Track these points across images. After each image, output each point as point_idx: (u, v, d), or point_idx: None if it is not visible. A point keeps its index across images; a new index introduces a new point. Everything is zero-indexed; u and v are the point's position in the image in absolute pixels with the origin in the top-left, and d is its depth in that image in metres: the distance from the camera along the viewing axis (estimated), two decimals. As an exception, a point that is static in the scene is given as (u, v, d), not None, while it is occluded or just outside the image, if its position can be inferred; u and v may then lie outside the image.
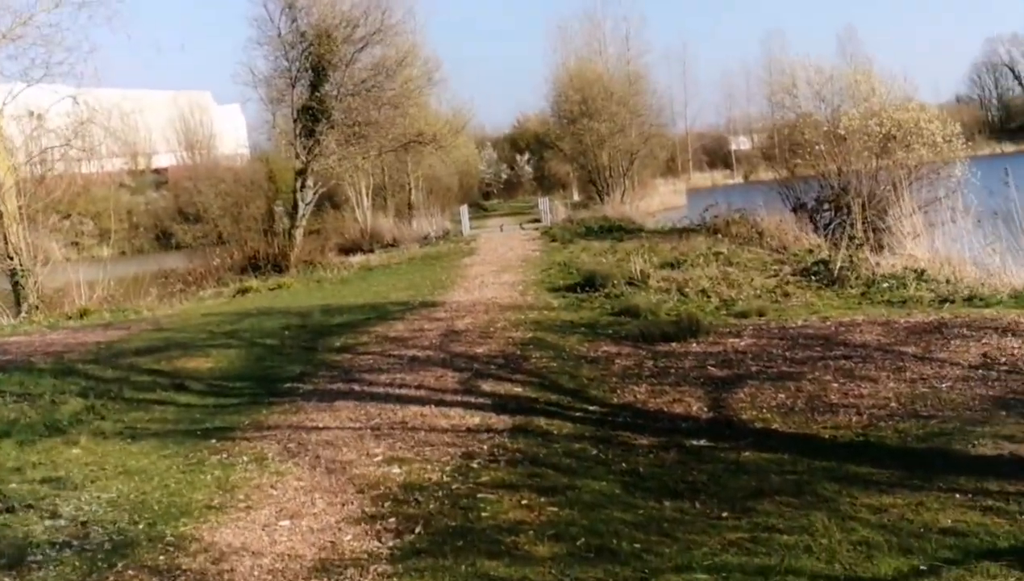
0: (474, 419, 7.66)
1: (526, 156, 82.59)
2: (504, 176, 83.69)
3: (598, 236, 27.40)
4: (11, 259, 20.91)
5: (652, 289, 14.52)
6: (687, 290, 14.10)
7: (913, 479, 5.38)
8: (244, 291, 20.55)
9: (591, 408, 7.79)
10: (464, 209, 38.29)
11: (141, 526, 5.69)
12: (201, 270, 25.84)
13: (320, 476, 6.44)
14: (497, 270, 19.92)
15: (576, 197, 56.07)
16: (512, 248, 25.97)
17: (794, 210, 24.98)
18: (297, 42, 24.43)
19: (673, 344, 10.28)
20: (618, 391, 8.33)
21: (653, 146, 53.51)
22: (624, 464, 6.18)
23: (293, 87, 24.66)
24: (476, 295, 15.89)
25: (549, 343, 10.80)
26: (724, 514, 5.12)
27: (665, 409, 7.59)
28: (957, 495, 5.08)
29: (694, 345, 10.17)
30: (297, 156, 24.50)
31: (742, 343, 10.04)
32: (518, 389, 8.61)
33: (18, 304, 21.09)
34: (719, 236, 22.60)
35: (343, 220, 40.65)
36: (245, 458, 7.05)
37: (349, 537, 5.25)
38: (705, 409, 7.50)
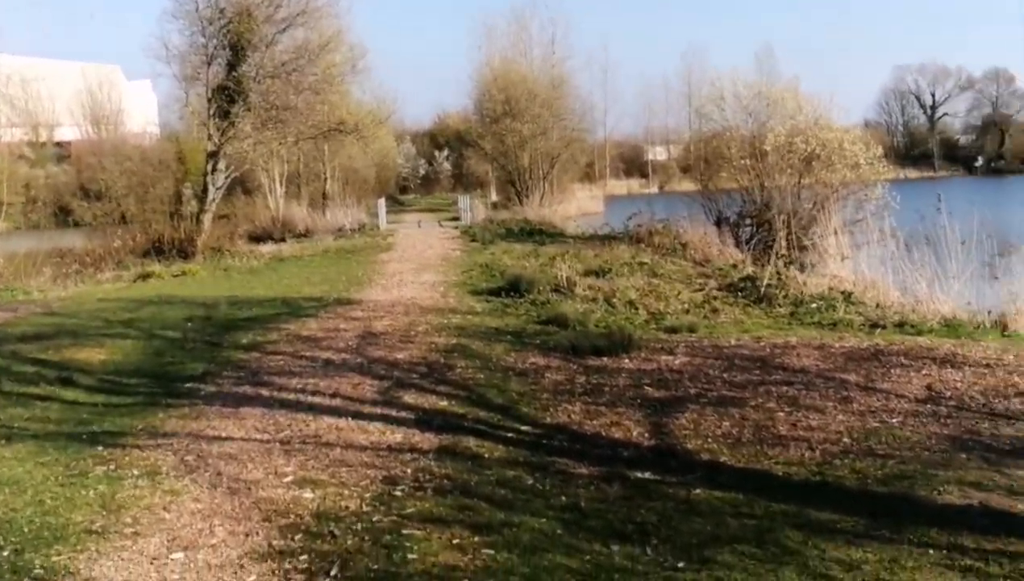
0: (396, 436, 6.99)
1: (445, 153, 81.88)
2: (422, 171, 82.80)
3: (519, 238, 26.89)
4: None
5: (579, 297, 14.03)
6: (614, 301, 13.64)
7: (881, 529, 4.93)
8: (146, 276, 19.37)
9: (523, 428, 7.20)
10: (381, 202, 37.35)
11: (6, 553, 4.88)
12: (100, 251, 24.36)
13: (221, 497, 5.69)
14: (416, 268, 19.20)
15: (494, 197, 55.52)
16: (431, 246, 25.25)
17: (716, 223, 24.90)
18: (215, 18, 23.16)
19: (605, 359, 9.77)
20: (551, 409, 7.76)
21: (574, 151, 53.22)
22: (564, 497, 5.59)
23: (209, 65, 23.39)
24: (395, 294, 15.17)
25: (474, 351, 10.18)
26: (680, 564, 4.57)
27: (603, 433, 7.04)
28: (931, 550, 4.65)
29: (627, 361, 9.68)
30: (210, 137, 23.26)
31: (676, 361, 9.59)
32: (443, 403, 7.97)
33: None
34: (642, 245, 22.31)
35: (254, 206, 39.28)
36: (135, 471, 6.25)
37: (252, 578, 4.54)
38: (646, 435, 6.98)
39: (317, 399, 8.17)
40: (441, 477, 5.97)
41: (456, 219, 39.23)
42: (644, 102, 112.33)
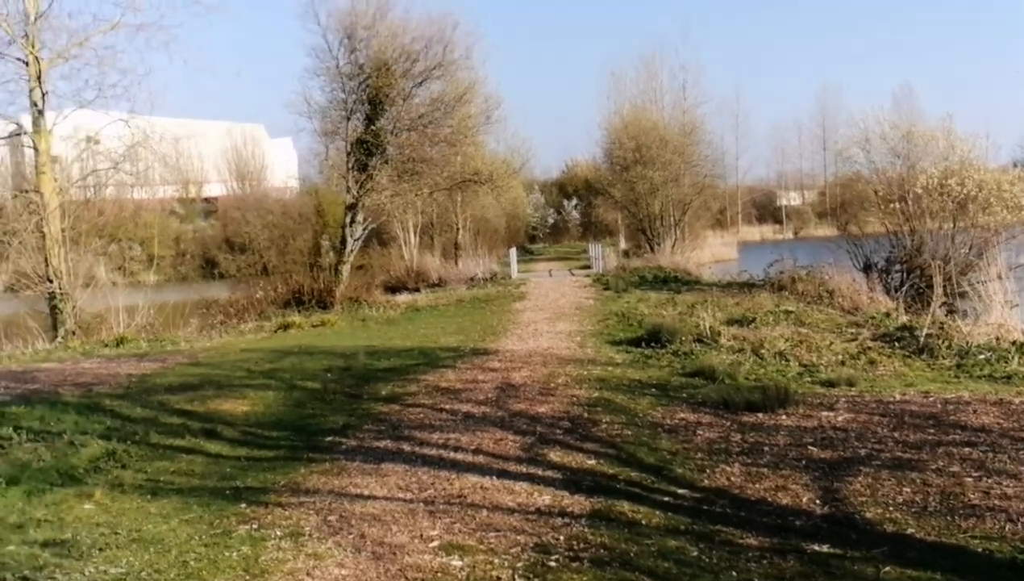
0: (544, 497, 6.59)
1: (574, 201, 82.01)
2: (551, 220, 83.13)
3: (653, 286, 26.31)
4: (50, 282, 20.32)
5: (723, 348, 13.40)
6: (763, 351, 12.95)
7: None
8: (286, 327, 19.70)
9: (680, 491, 6.68)
10: (513, 252, 37.40)
11: (150, 619, 4.70)
12: (243, 302, 25.10)
13: (366, 563, 5.40)
14: (551, 318, 18.89)
15: (623, 245, 54.98)
16: (564, 294, 24.94)
17: (863, 270, 23.78)
18: (355, 74, 23.77)
19: (760, 415, 9.16)
20: (707, 471, 7.22)
21: (706, 197, 52.42)
22: (734, 573, 5.07)
23: (348, 120, 23.97)
24: (531, 344, 14.87)
25: (618, 405, 9.73)
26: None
27: (768, 498, 6.47)
28: None
29: (784, 417, 9.04)
30: (348, 190, 23.74)
31: (839, 418, 8.89)
32: (591, 461, 7.53)
33: (55, 328, 20.46)
34: (784, 293, 21.41)
35: (389, 257, 40.04)
36: (278, 532, 6.04)
37: (402, 657, 4.21)
38: (817, 501, 6.37)
39: (459, 455, 7.86)
40: (597, 546, 5.53)
41: (587, 267, 38.94)
42: (776, 146, 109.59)
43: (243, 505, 6.71)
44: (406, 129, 24.05)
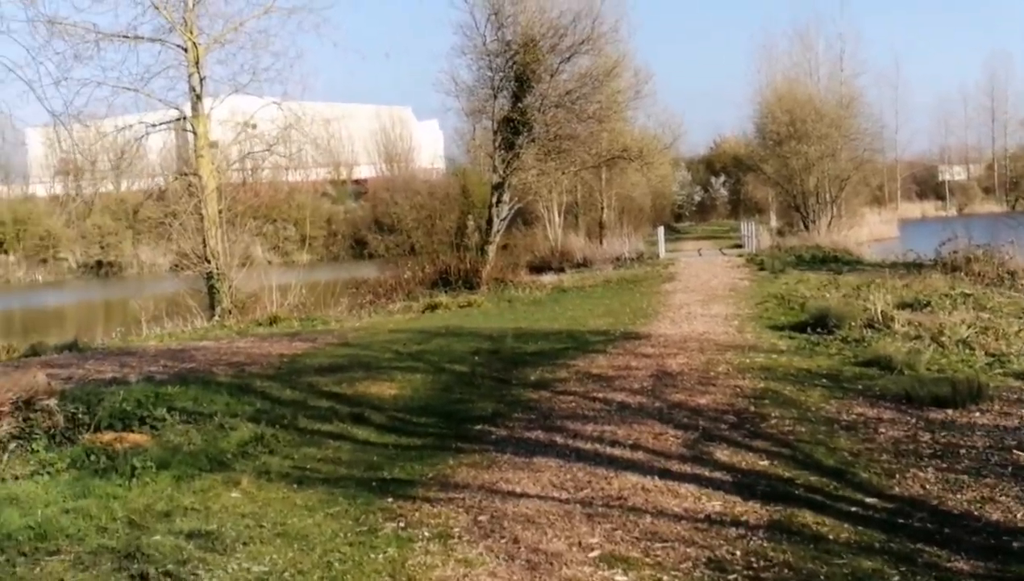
0: (713, 503, 5.97)
1: (722, 178, 79.87)
2: (697, 198, 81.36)
3: (812, 266, 25.00)
4: (208, 262, 20.86)
5: (898, 334, 12.31)
6: (943, 339, 11.82)
7: None
8: (433, 307, 19.58)
9: (868, 500, 5.94)
10: (660, 230, 36.50)
11: (291, 627, 4.37)
12: (392, 282, 25.25)
13: (520, 573, 4.93)
14: (703, 300, 18.05)
15: (775, 222, 52.93)
16: (716, 275, 23.96)
17: (1048, 248, 21.77)
18: (502, 51, 23.38)
19: (949, 411, 8.21)
20: (896, 476, 6.43)
21: (865, 173, 49.82)
22: (948, 606, 4.34)
23: (495, 98, 23.62)
24: (685, 328, 14.14)
25: (787, 398, 8.95)
26: None
27: (975, 512, 5.65)
28: None
29: (977, 414, 8.08)
30: (495, 169, 23.44)
31: (1045, 417, 7.88)
32: (763, 462, 6.85)
33: (212, 307, 21.02)
34: (959, 274, 19.77)
35: (534, 237, 39.74)
36: (426, 532, 5.65)
37: None
38: (1036, 518, 5.51)
39: (616, 451, 7.31)
40: (780, 565, 4.88)
41: (738, 246, 37.63)
42: (939, 118, 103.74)
43: (390, 499, 6.37)
44: (553, 106, 23.50)
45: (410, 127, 76.58)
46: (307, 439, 8.31)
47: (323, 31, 25.96)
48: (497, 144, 23.47)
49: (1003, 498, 5.88)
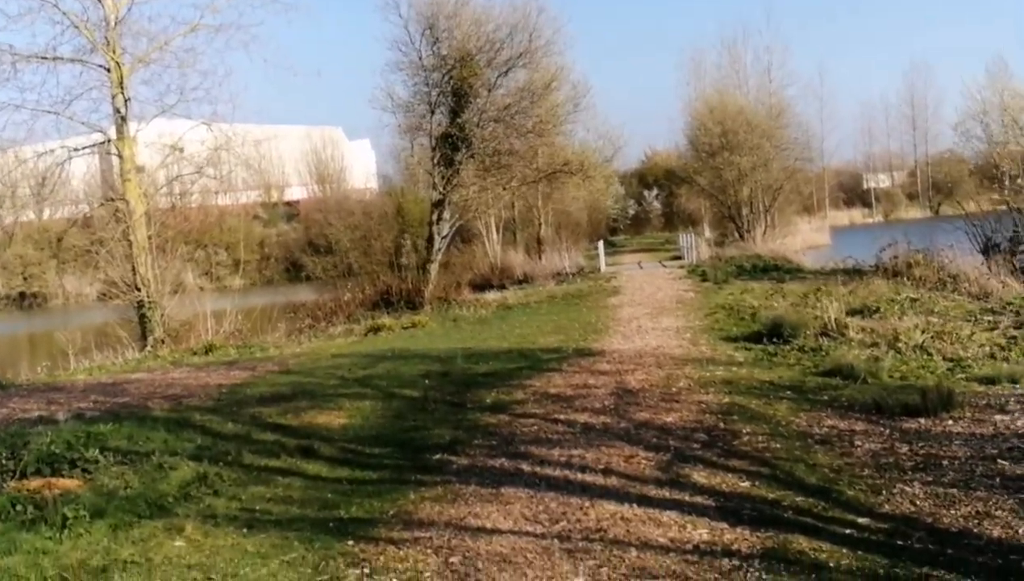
0: (700, 531, 5.60)
1: (654, 191, 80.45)
2: (632, 211, 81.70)
3: (753, 276, 25.02)
4: (138, 290, 20.01)
5: (853, 342, 12.21)
6: (899, 345, 11.71)
7: None
8: (377, 329, 19.02)
9: (860, 521, 5.63)
10: (601, 245, 36.37)
11: None
12: (331, 304, 24.61)
13: (504, 623, 4.50)
14: (652, 313, 17.82)
15: (708, 233, 53.36)
16: (660, 287, 23.80)
17: (983, 252, 22.12)
18: (438, 66, 22.94)
19: (921, 420, 8.01)
20: (884, 492, 6.14)
21: (797, 182, 50.55)
22: (971, 638, 4.02)
23: (432, 113, 23.17)
24: (638, 343, 13.85)
25: (754, 412, 8.66)
26: None
27: (973, 529, 5.37)
28: None
29: (950, 422, 7.88)
30: (435, 186, 22.97)
31: (1019, 422, 7.70)
32: (744, 483, 6.51)
33: (144, 337, 20.16)
34: (900, 279, 19.89)
35: (472, 255, 39.30)
36: (394, 578, 5.18)
37: None
38: (1038, 534, 5.25)
39: (588, 477, 6.91)
40: (784, 601, 4.53)
41: (676, 258, 37.71)
42: (862, 127, 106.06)
43: (350, 542, 5.88)
44: (492, 121, 23.13)
45: (341, 147, 75.70)
46: (254, 476, 7.76)
47: (252, 48, 25.34)
48: (436, 161, 23.02)
49: (999, 512, 5.62)
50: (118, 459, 8.38)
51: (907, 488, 6.22)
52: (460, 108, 22.99)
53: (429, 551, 5.61)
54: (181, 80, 20.48)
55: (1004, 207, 22.46)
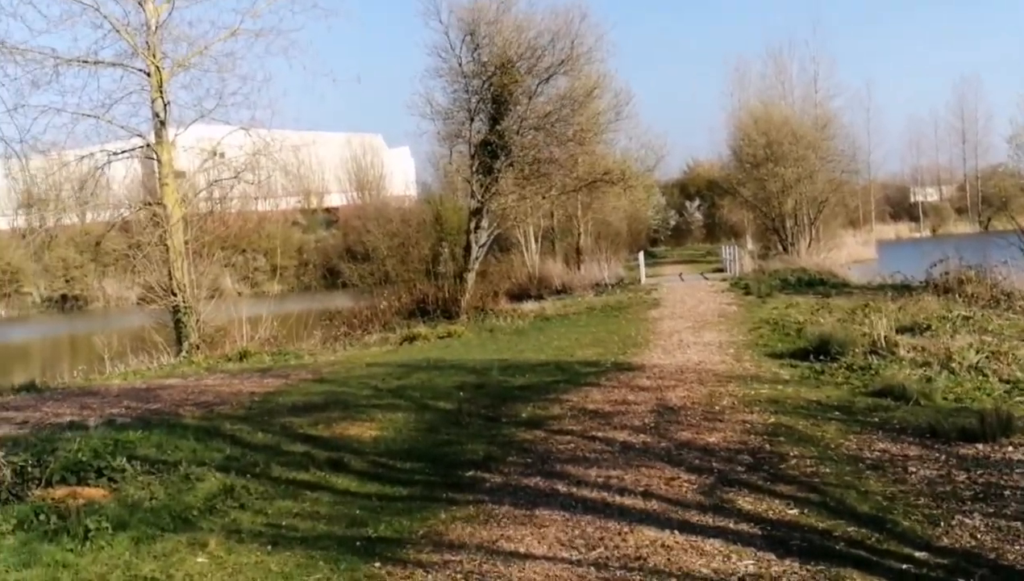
0: (745, 562, 5.27)
1: (696, 202, 79.80)
2: (672, 222, 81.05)
3: (798, 290, 24.49)
4: (175, 295, 19.98)
5: (904, 361, 11.74)
6: (953, 365, 11.23)
7: None
8: (412, 339, 18.80)
9: (917, 555, 5.26)
10: (641, 256, 35.91)
11: None
12: (367, 312, 24.45)
13: (536, 660, 4.21)
14: (694, 327, 17.43)
15: (751, 246, 52.69)
16: (701, 300, 23.37)
17: (1042, 268, 21.37)
18: (478, 72, 22.74)
19: (979, 445, 7.59)
20: (942, 524, 5.77)
21: (842, 194, 49.71)
22: None
23: (472, 121, 22.96)
24: (679, 358, 13.49)
25: (802, 434, 8.29)
26: None
27: (1045, 569, 4.99)
28: None
29: (1010, 448, 7.46)
30: (473, 194, 22.76)
31: (1085, 451, 7.26)
32: (791, 510, 6.16)
33: (179, 342, 20.13)
34: (951, 296, 19.28)
35: (510, 265, 39.05)
36: (421, 606, 4.92)
37: None
38: (1116, 575, 4.86)
39: (626, 500, 6.60)
40: (841, 645, 4.19)
41: (719, 270, 37.19)
42: (910, 140, 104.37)
43: (377, 564, 5.63)
44: (532, 129, 22.86)
45: (381, 154, 75.98)
46: (281, 490, 7.54)
47: (292, 54, 25.16)
48: (475, 168, 22.80)
49: (1073, 550, 5.22)
50: (145, 468, 8.22)
51: (967, 520, 5.83)
52: (500, 115, 22.74)
53: (459, 576, 5.34)
54: (220, 85, 20.48)
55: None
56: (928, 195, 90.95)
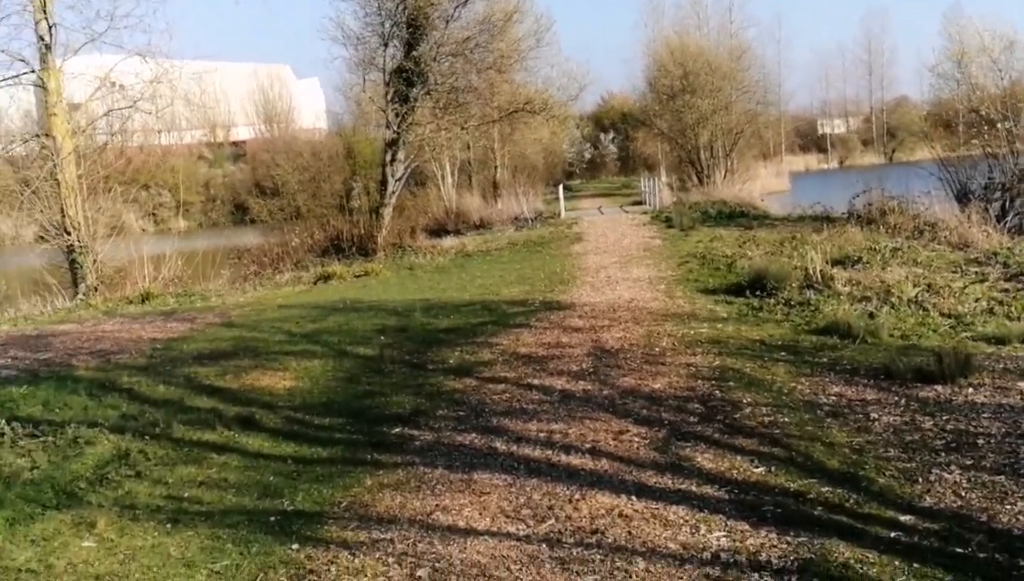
0: (716, 534, 4.67)
1: (611, 135, 79.34)
2: (588, 156, 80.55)
3: (720, 222, 24.14)
4: (68, 234, 18.54)
5: (842, 296, 11.37)
6: (892, 300, 10.89)
7: None
8: (327, 278, 17.83)
9: (903, 519, 4.74)
10: (560, 189, 35.24)
11: None
12: (278, 250, 23.28)
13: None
14: (620, 262, 16.87)
15: (665, 178, 52.51)
16: (625, 234, 22.83)
17: (958, 199, 21.44)
18: (393, -7, 21.53)
19: (937, 387, 7.16)
20: (920, 481, 5.27)
21: (757, 126, 49.71)
22: None
23: (386, 46, 21.69)
24: (609, 295, 12.89)
25: (751, 378, 7.76)
26: None
27: (1041, 530, 4.52)
28: None
29: (970, 390, 7.05)
30: (388, 125, 21.61)
31: (1047, 391, 6.89)
32: (757, 468, 5.59)
33: (75, 284, 18.76)
34: (874, 227, 19.11)
35: (426, 199, 38.01)
36: (349, 599, 4.20)
37: None
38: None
39: (574, 458, 5.96)
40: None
41: (638, 203, 36.80)
42: (818, 73, 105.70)
43: (295, 545, 4.88)
44: (450, 55, 21.72)
45: (289, 86, 73.39)
46: (184, 454, 6.72)
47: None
48: (390, 97, 21.63)
49: (1068, 508, 4.77)
50: (28, 431, 7.31)
51: (945, 474, 5.35)
52: (415, 41, 21.54)
53: (391, 559, 4.62)
54: (111, 6, 18.89)
55: (954, 153, 21.82)
56: (836, 127, 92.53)
